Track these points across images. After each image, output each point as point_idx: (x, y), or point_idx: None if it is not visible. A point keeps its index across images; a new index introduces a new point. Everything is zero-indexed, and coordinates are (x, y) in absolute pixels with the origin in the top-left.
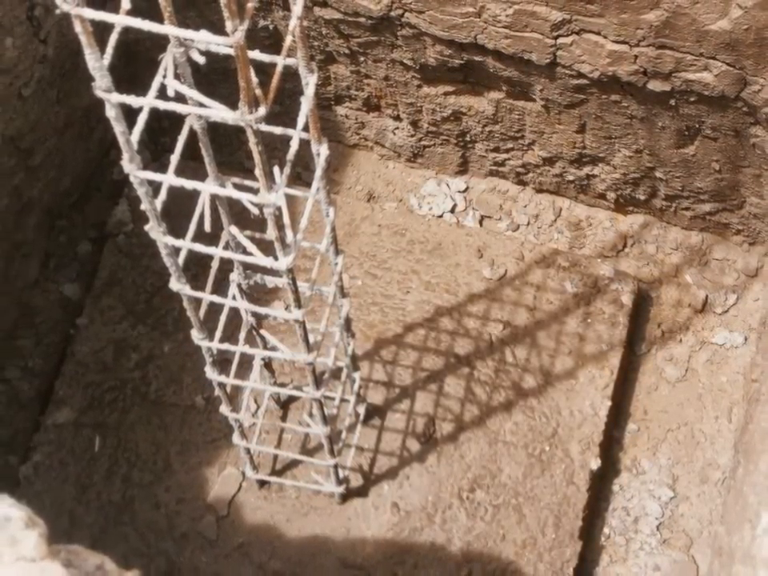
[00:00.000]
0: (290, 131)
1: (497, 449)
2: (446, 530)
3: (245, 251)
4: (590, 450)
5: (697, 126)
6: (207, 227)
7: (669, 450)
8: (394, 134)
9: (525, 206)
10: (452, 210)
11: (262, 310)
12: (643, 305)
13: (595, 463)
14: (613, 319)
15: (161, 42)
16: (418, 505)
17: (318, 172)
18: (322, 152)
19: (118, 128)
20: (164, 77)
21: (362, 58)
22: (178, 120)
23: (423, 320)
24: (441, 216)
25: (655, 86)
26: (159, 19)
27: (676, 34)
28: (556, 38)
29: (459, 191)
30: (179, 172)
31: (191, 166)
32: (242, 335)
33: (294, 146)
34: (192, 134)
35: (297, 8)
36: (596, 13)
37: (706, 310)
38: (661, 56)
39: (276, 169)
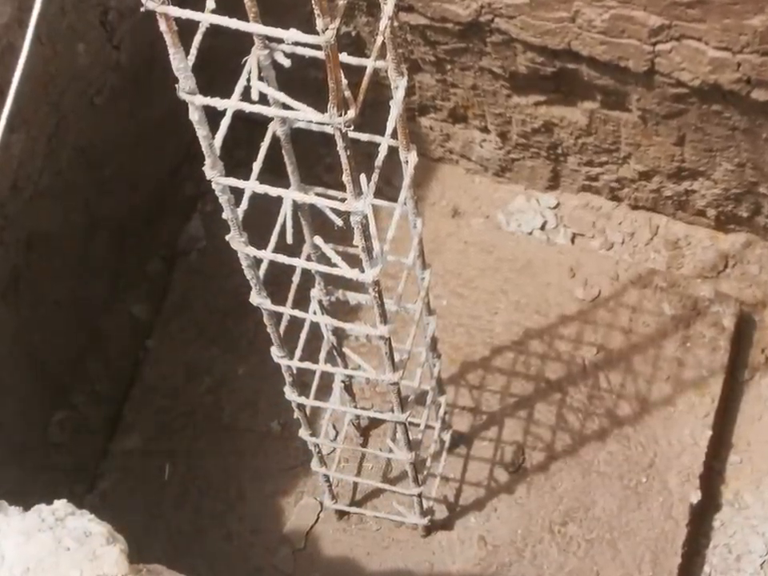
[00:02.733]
0: (377, 138)
1: (590, 480)
2: (537, 566)
3: (329, 263)
4: (689, 482)
5: None
6: (289, 239)
7: None
8: (481, 146)
9: (619, 224)
10: (542, 227)
11: (344, 325)
12: (746, 328)
13: (695, 496)
14: (714, 343)
15: (238, 47)
16: (507, 538)
17: (407, 180)
18: (410, 159)
19: (201, 132)
20: (248, 80)
21: (448, 66)
22: (254, 131)
23: (512, 342)
24: (530, 233)
25: (759, 95)
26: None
27: None
28: (654, 44)
29: (550, 207)
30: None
31: (268, 179)
32: (323, 355)
33: (383, 152)
34: (271, 145)
35: (388, 7)
36: (697, 18)
37: None
38: (765, 63)
39: (363, 177)
